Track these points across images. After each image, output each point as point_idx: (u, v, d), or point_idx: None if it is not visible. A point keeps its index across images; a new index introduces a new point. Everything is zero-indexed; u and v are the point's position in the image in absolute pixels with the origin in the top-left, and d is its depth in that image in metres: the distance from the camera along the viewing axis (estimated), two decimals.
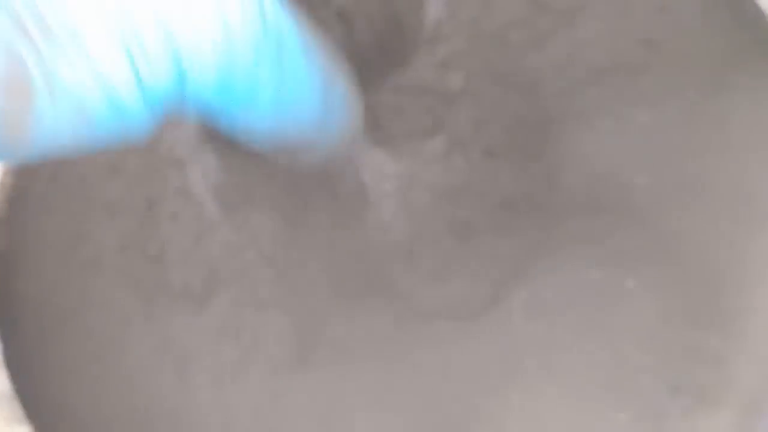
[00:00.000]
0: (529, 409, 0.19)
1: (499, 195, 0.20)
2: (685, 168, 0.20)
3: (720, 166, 0.20)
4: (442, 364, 0.19)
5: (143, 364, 0.20)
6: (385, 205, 0.20)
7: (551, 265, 0.20)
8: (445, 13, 0.22)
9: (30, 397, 0.20)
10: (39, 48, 0.09)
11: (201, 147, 0.20)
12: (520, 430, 0.19)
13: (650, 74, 0.21)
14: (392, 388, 0.19)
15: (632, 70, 0.21)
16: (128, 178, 0.20)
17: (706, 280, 0.19)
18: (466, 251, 0.20)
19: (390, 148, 0.21)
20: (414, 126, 0.21)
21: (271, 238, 0.20)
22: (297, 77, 0.12)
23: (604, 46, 0.22)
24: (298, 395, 0.19)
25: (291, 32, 0.12)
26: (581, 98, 0.21)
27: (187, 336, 0.20)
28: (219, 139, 0.18)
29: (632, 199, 0.20)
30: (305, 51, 0.12)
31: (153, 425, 0.20)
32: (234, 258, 0.20)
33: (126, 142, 0.11)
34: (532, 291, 0.19)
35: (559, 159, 0.21)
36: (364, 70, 0.19)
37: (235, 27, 0.11)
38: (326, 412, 0.19)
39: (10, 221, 0.22)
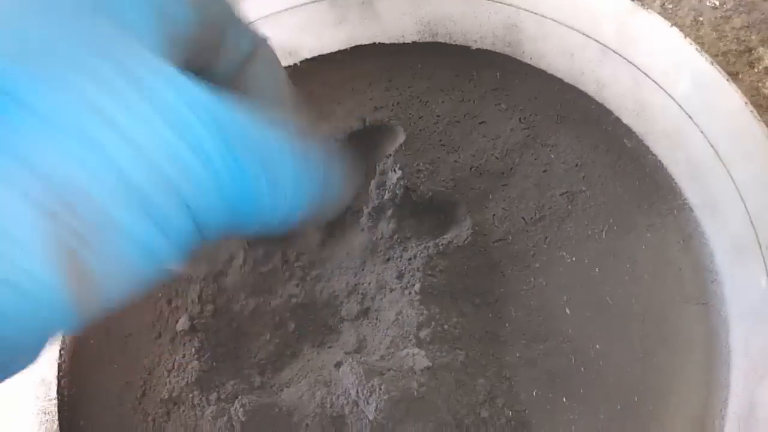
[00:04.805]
0: None
1: (462, 330, 0.25)
2: (603, 299, 0.25)
3: (631, 295, 0.25)
4: None
5: None
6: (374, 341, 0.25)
7: (508, 387, 0.24)
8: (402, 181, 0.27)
9: None
10: (87, 240, 0.11)
11: None
12: None
13: (571, 221, 0.27)
14: None
15: (557, 219, 0.27)
16: (166, 340, 0.26)
17: (626, 393, 0.24)
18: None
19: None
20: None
21: None
22: (291, 181, 0.14)
23: (533, 201, 0.27)
24: None
25: (279, 150, 0.13)
26: (517, 245, 0.26)
27: None
28: None
29: (562, 326, 0.25)
30: (296, 157, 0.14)
31: None
32: None
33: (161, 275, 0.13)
34: (492, 413, 0.23)
35: (503, 296, 0.26)
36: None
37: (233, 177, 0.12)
38: None
39: (72, 372, 0.27)
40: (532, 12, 0.28)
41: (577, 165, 0.28)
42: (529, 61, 0.30)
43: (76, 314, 0.12)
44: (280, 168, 0.13)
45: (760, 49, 0.32)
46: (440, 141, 0.29)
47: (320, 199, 0.15)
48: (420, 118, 0.30)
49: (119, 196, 0.11)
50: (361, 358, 0.23)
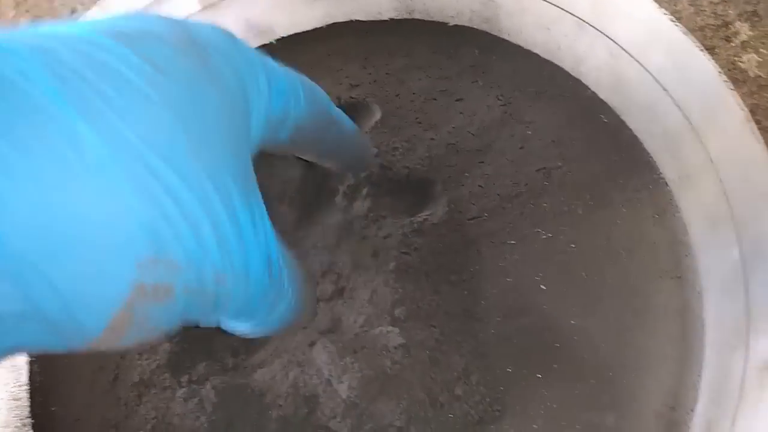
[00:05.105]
0: None
1: (437, 308, 0.25)
2: (578, 274, 0.25)
3: (605, 270, 0.25)
4: None
5: None
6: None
7: (483, 364, 0.24)
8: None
9: None
10: (147, 312, 0.13)
11: None
12: None
13: (547, 197, 0.26)
14: None
15: (533, 195, 0.26)
16: None
17: (600, 367, 0.24)
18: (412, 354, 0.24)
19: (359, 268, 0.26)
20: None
21: None
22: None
23: (509, 178, 0.27)
24: None
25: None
26: (493, 222, 0.26)
27: None
28: None
29: (538, 302, 0.25)
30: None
31: None
32: None
33: None
34: (466, 390, 0.23)
35: (478, 273, 0.25)
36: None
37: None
38: None
39: (44, 358, 0.27)
40: None
41: (553, 141, 0.27)
42: (506, 38, 0.30)
43: (82, 349, 0.13)
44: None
45: (737, 24, 0.31)
46: (417, 118, 0.29)
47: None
48: (396, 95, 0.29)
49: (189, 287, 0.13)
50: (334, 337, 0.23)
